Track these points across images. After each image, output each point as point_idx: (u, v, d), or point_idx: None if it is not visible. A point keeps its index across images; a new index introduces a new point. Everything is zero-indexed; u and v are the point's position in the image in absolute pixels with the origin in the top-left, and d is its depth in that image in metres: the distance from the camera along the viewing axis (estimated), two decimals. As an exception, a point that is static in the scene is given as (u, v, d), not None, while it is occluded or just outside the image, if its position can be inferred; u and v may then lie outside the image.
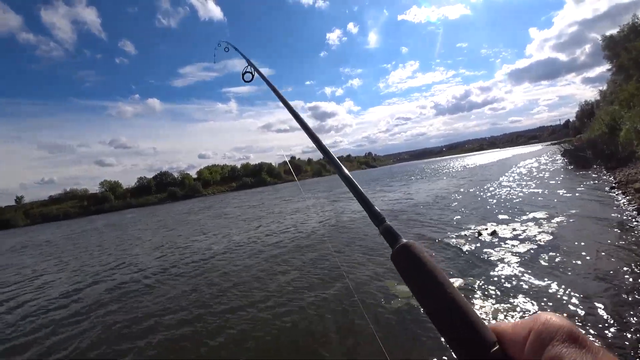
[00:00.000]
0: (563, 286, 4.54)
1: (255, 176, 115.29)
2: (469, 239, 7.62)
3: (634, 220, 7.03)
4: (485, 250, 6.64)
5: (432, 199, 16.07)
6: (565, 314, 3.86)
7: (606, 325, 3.54)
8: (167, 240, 15.22)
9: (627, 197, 8.98)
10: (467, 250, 6.81)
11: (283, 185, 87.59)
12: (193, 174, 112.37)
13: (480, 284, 5.07)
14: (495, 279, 5.18)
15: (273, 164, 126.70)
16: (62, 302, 7.62)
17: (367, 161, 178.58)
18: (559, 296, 4.31)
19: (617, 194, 9.84)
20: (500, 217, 9.40)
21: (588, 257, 5.41)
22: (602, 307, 3.87)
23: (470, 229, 8.52)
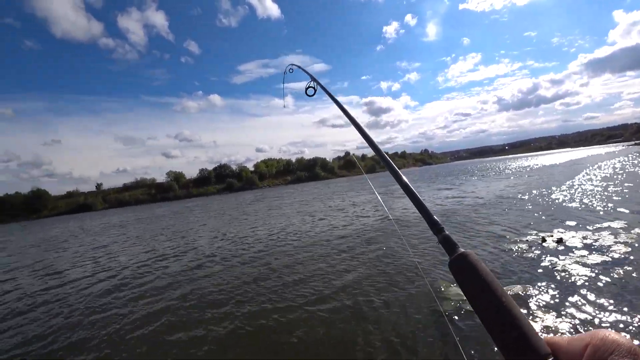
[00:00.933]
0: (632, 307, 4.14)
1: (310, 170, 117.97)
2: (532, 245, 7.15)
3: None
4: (548, 258, 6.20)
5: (492, 199, 15.27)
6: (626, 335, 3.55)
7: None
8: (237, 229, 16.24)
9: None
10: (527, 257, 6.41)
11: (336, 180, 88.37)
12: (250, 166, 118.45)
13: (538, 294, 4.77)
14: (556, 291, 4.81)
15: (327, 159, 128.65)
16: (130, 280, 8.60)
17: (423, 158, 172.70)
18: (624, 317, 3.93)
19: None
20: (569, 223, 8.66)
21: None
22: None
23: (533, 234, 7.99)
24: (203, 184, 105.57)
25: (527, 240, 7.54)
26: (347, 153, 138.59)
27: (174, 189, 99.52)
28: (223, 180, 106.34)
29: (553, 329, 3.85)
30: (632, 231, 7.21)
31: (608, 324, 3.82)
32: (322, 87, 1.91)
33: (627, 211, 9.36)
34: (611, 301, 4.31)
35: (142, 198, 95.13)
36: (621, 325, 3.76)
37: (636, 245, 6.33)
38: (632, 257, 5.73)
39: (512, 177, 27.44)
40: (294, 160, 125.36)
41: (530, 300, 4.63)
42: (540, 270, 5.68)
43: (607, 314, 4.02)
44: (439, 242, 0.67)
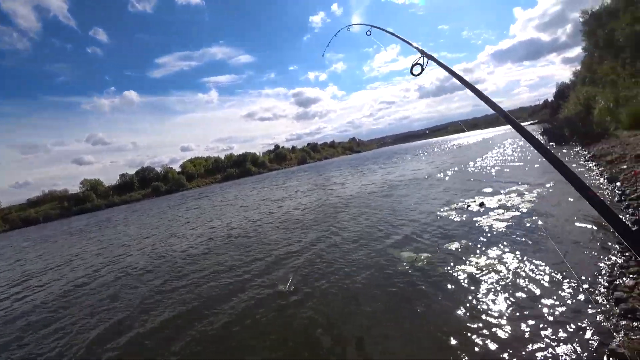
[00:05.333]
0: (544, 236, 5.41)
1: (240, 166, 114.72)
2: (460, 210, 8.46)
3: (604, 187, 8.01)
4: (474, 219, 7.48)
5: (421, 176, 17.06)
6: (542, 255, 4.69)
7: (568, 260, 4.36)
8: (163, 236, 15.47)
9: (600, 169, 10.04)
10: (459, 220, 7.66)
11: (268, 174, 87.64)
12: (176, 167, 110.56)
13: (471, 246, 5.91)
14: (483, 241, 6.05)
15: (257, 154, 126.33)
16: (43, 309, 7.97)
17: (352, 146, 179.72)
18: (539, 247, 5.15)
19: (591, 166, 10.91)
20: (486, 190, 10.30)
21: (563, 218, 6.31)
22: (571, 245, 4.70)
23: (460, 202, 9.37)
24: (126, 191, 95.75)
25: (455, 207, 8.86)
26: (277, 146, 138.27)
27: (92, 199, 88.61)
28: (148, 184, 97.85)
29: (484, 265, 4.86)
30: (534, 191, 8.95)
31: (519, 255, 4.93)
32: (436, 61, 1.87)
33: (528, 176, 11.45)
34: (522, 241, 5.58)
35: (53, 213, 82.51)
36: (537, 252, 4.88)
37: (536, 201, 7.98)
38: (534, 210, 7.28)
39: (435, 157, 30.56)
40: (223, 157, 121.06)
41: (466, 251, 5.71)
42: (469, 229, 6.92)
43: (520, 252, 5.23)
44: (629, 247, 0.81)
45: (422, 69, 1.93)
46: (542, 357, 2.97)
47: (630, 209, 5.99)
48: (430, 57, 1.94)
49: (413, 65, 1.94)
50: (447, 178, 15.15)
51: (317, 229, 9.37)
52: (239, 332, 4.52)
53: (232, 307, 5.30)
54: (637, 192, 6.56)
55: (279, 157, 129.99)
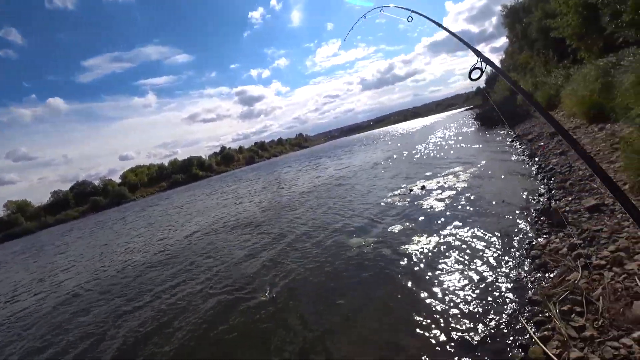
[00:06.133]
0: (476, 210, 6.03)
1: (186, 172, 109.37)
2: (404, 194, 9.03)
3: (527, 162, 9.05)
4: (417, 201, 8.06)
5: (369, 166, 17.77)
6: (475, 227, 5.27)
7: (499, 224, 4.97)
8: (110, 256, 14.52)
9: (523, 146, 11.27)
10: (403, 203, 8.20)
11: (216, 177, 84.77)
12: (116, 178, 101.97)
13: (415, 225, 6.43)
14: (426, 219, 6.62)
15: (203, 157, 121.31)
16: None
17: (300, 142, 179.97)
18: (471, 220, 5.75)
19: (516, 145, 12.19)
20: (427, 174, 11.08)
21: (492, 193, 7.07)
22: (498, 215, 5.34)
23: (403, 187, 9.98)
24: (60, 209, 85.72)
25: (400, 193, 9.44)
26: (224, 147, 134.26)
27: (20, 223, 78.14)
28: (86, 199, 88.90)
29: (424, 241, 5.34)
30: (468, 171, 9.82)
31: (455, 229, 5.47)
32: (493, 65, 1.84)
33: (463, 157, 12.49)
34: (457, 216, 6.19)
35: (-27, 242, 71.96)
36: (461, 228, 5.43)
37: (470, 180, 8.81)
38: (468, 188, 8.05)
39: (380, 146, 31.86)
40: (166, 163, 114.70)
41: (409, 231, 6.19)
42: (413, 209, 7.46)
43: (455, 225, 5.80)
44: None
45: (482, 72, 1.98)
46: (478, 311, 3.40)
47: (544, 181, 6.88)
48: (488, 62, 1.97)
49: (472, 70, 1.98)
50: (392, 165, 15.98)
51: (273, 227, 9.46)
52: (208, 339, 4.51)
53: (198, 317, 5.25)
54: (550, 165, 7.53)
55: (226, 159, 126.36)
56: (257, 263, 6.64)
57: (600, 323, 2.54)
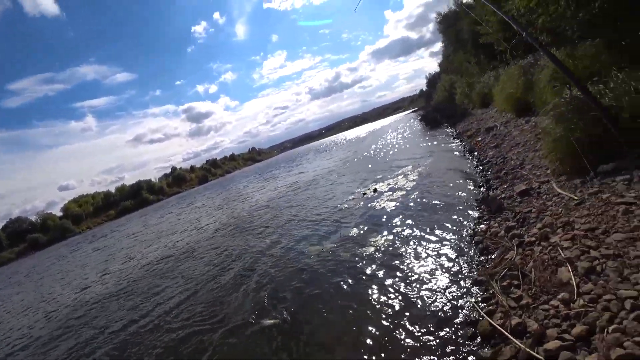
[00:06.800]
0: (425, 206, 6.45)
1: (136, 197, 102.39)
2: (357, 199, 9.35)
3: (465, 155, 9.84)
4: (371, 203, 8.40)
5: (323, 173, 18.09)
6: (424, 221, 5.64)
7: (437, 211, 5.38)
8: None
9: (463, 143, 12.20)
10: (359, 206, 8.51)
11: (169, 199, 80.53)
12: (57, 211, 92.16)
13: (371, 227, 6.73)
14: (381, 220, 6.95)
15: (153, 180, 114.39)
16: None
17: (253, 156, 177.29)
18: (421, 215, 6.14)
19: (458, 141, 13.15)
20: (379, 177, 11.57)
21: (440, 184, 7.61)
22: (445, 209, 5.77)
23: (357, 191, 10.33)
24: None
25: (354, 197, 9.78)
26: (174, 168, 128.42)
27: None
28: (22, 238, 78.70)
29: (379, 241, 5.62)
30: (416, 170, 10.43)
31: (406, 226, 5.82)
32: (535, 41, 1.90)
33: (411, 157, 13.21)
34: (408, 214, 6.56)
35: None
36: (412, 224, 5.79)
37: (418, 178, 9.37)
38: (416, 186, 8.56)
39: (333, 153, 32.53)
40: (113, 190, 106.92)
41: (367, 231, 6.44)
42: (367, 212, 7.78)
43: (407, 222, 6.16)
44: None
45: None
46: (432, 298, 3.67)
47: (482, 173, 7.53)
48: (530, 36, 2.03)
49: (513, 44, 2.12)
50: (346, 170, 16.42)
51: (233, 245, 9.40)
52: None
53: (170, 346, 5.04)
54: (487, 158, 8.26)
55: (178, 180, 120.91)
56: (222, 284, 6.57)
57: (533, 291, 2.89)
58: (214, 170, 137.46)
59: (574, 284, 2.65)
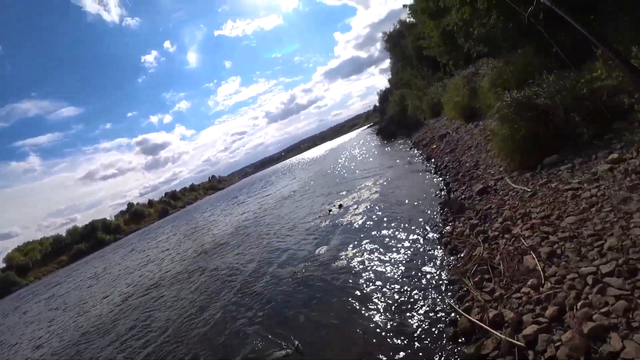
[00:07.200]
0: (390, 216, 6.59)
1: (90, 239, 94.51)
2: (324, 217, 9.35)
3: (424, 163, 10.26)
4: (337, 219, 8.44)
5: (287, 194, 18.00)
6: (392, 230, 5.75)
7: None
8: None
9: (420, 151, 12.76)
10: (324, 225, 8.48)
11: (127, 238, 75.46)
12: None
13: (339, 243, 6.75)
14: (347, 235, 7.00)
15: (109, 218, 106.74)
16: None
17: (213, 185, 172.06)
18: (388, 225, 6.26)
19: (415, 151, 13.71)
20: (342, 193, 11.70)
21: (403, 193, 7.84)
22: (410, 216, 5.93)
23: (324, 209, 10.35)
24: None
25: (320, 215, 9.76)
26: (131, 204, 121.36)
27: None
28: None
29: (350, 255, 5.64)
30: (378, 183, 10.70)
31: (376, 236, 5.89)
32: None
33: (372, 171, 13.55)
34: (376, 225, 6.64)
35: None
36: (381, 234, 5.88)
37: (380, 190, 9.59)
38: (381, 197, 8.76)
39: (296, 174, 32.57)
40: (64, 233, 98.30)
41: (337, 247, 6.44)
42: (335, 228, 7.80)
43: (375, 234, 6.24)
44: None
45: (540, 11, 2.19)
46: (409, 304, 3.70)
47: (441, 178, 7.88)
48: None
49: (530, 13, 2.20)
50: (309, 190, 16.44)
51: (202, 278, 8.97)
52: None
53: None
54: (444, 163, 8.67)
55: (136, 216, 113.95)
56: (196, 321, 6.22)
57: (504, 282, 3.01)
58: (174, 202, 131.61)
59: (540, 269, 2.80)
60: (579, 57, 5.67)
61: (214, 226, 19.03)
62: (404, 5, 19.13)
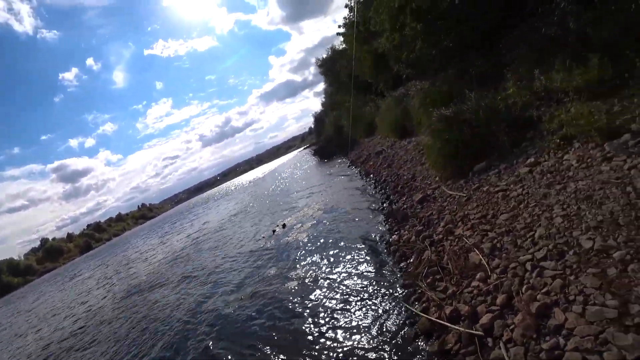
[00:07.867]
0: (335, 232, 6.72)
1: None
2: (268, 238, 9.17)
3: (363, 179, 10.72)
4: (282, 239, 8.36)
5: (227, 218, 17.38)
6: (338, 243, 5.85)
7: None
8: None
9: (358, 169, 13.31)
10: (269, 246, 8.31)
11: (41, 279, 65.16)
12: None
13: (285, 261, 6.70)
14: (293, 253, 6.96)
15: (17, 258, 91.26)
16: None
17: (144, 213, 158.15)
18: (333, 238, 6.37)
19: (353, 168, 14.25)
20: (284, 213, 11.65)
21: (345, 209, 8.05)
22: (355, 230, 6.12)
23: (266, 229, 10.18)
24: None
25: (264, 236, 9.56)
26: (46, 240, 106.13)
27: None
28: None
29: (299, 274, 5.61)
30: (320, 201, 10.88)
31: (322, 252, 5.96)
32: None
33: (313, 190, 13.74)
34: (322, 242, 6.72)
35: None
36: (328, 249, 5.97)
37: (322, 207, 9.73)
38: (323, 213, 8.89)
39: (234, 198, 31.68)
40: None
41: (284, 268, 6.35)
42: (281, 247, 7.71)
43: (321, 249, 6.31)
44: None
45: None
46: (368, 315, 3.75)
47: (381, 191, 8.28)
48: None
49: None
50: (250, 212, 16.08)
51: (137, 314, 8.18)
52: None
53: None
54: (382, 177, 9.14)
55: (51, 253, 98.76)
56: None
57: (455, 280, 3.23)
58: (98, 235, 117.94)
59: (485, 263, 3.07)
60: (494, 78, 6.51)
61: (147, 258, 17.54)
62: (338, 34, 20.67)
